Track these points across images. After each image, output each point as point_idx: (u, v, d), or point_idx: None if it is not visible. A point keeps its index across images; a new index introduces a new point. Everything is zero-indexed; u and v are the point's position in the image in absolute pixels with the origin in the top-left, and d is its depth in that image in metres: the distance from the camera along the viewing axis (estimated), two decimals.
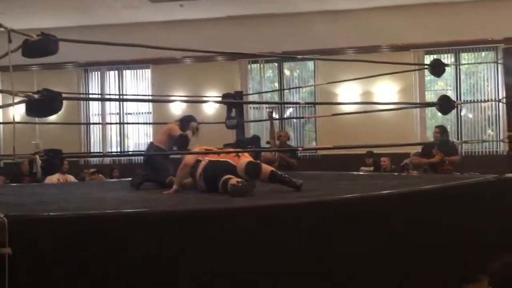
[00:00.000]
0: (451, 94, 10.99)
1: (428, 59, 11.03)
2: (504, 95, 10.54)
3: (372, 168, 9.50)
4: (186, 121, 5.77)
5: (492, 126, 11.15)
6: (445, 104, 4.97)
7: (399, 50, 11.19)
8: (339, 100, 11.32)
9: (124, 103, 12.83)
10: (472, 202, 4.13)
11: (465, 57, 11.70)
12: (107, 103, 12.76)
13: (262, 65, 12.19)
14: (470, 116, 11.59)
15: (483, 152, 10.87)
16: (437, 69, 5.17)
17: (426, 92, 11.47)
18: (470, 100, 11.42)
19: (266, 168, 4.45)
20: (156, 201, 4.11)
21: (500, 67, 10.82)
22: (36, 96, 2.96)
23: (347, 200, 3.60)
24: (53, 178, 7.56)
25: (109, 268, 2.80)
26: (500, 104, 10.57)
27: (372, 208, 3.58)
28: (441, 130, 8.31)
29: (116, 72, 12.76)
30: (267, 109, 10.64)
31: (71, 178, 8.34)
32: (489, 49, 11.37)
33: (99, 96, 12.87)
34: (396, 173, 8.28)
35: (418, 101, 11.07)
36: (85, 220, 2.85)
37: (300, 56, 9.83)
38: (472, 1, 10.82)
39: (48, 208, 3.42)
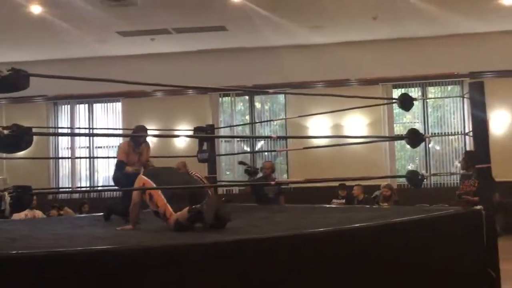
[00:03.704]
0: (419, 126, 11.20)
1: (396, 93, 11.26)
2: (471, 128, 10.71)
3: (343, 201, 9.53)
4: (137, 139, 5.76)
5: (459, 158, 11.31)
6: (414, 138, 5.04)
7: (368, 84, 11.41)
8: (310, 133, 11.41)
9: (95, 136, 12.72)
10: (442, 234, 4.16)
11: (432, 91, 11.97)
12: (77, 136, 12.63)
13: (233, 98, 12.26)
14: (438, 148, 11.80)
15: (451, 184, 10.97)
16: (406, 103, 5.24)
17: (394, 125, 11.69)
18: (438, 133, 11.64)
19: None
20: (127, 237, 4.04)
21: (466, 100, 11.05)
22: (5, 131, 2.91)
23: (316, 234, 3.59)
24: (21, 214, 7.41)
25: None
26: (467, 137, 10.76)
27: (342, 242, 3.57)
28: (467, 156, 6.73)
29: (86, 105, 12.67)
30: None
31: (38, 213, 8.18)
32: (455, 83, 11.67)
33: (69, 131, 12.72)
34: (368, 206, 8.32)
35: (387, 134, 11.26)
36: (54, 258, 2.79)
37: (271, 90, 9.89)
38: (438, 36, 11.12)
39: (16, 245, 3.34)
